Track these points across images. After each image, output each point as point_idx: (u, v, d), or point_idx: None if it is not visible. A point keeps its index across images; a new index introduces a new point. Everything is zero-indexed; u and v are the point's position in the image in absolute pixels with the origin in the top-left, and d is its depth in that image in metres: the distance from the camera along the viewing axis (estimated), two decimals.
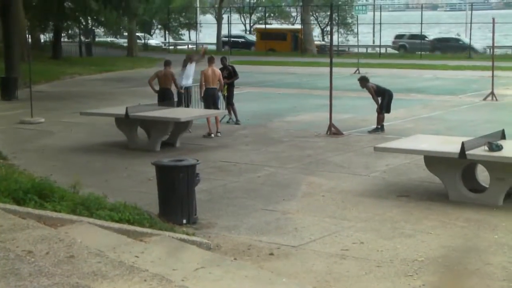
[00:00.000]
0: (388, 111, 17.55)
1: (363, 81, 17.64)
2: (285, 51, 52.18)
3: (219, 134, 16.92)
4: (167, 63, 17.98)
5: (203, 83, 17.43)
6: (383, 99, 17.47)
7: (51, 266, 6.26)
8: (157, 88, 17.85)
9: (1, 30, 30.59)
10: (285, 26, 63.15)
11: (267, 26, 60.39)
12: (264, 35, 55.10)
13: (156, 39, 68.94)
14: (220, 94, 17.80)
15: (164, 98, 17.36)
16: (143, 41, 62.38)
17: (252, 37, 61.83)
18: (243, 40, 59.85)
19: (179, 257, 7.58)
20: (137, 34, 61.94)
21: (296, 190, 11.66)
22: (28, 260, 6.33)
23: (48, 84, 30.86)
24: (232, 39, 58.99)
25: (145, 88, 20.66)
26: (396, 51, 52.51)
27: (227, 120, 18.82)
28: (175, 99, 17.77)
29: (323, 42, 57.14)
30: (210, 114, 16.96)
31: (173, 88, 18.01)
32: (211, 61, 17.83)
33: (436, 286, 7.45)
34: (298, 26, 58.41)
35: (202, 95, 17.45)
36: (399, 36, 55.00)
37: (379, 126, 17.33)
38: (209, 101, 17.43)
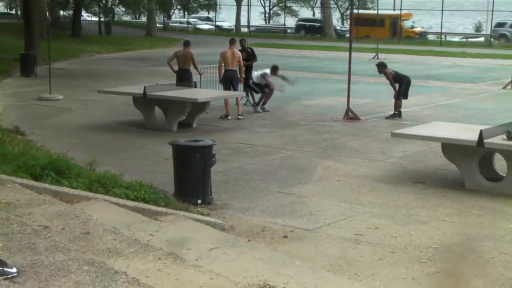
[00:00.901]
0: (405, 97, 17.48)
1: (381, 66, 17.57)
2: (382, 38, 47.36)
3: (240, 116, 16.86)
4: (187, 44, 17.96)
5: (222, 65, 17.41)
6: (401, 85, 17.40)
7: (67, 242, 6.31)
8: (176, 68, 17.85)
9: (21, 7, 30.66)
10: (383, 11, 56.42)
11: (362, 11, 56.15)
12: (358, 20, 50.04)
13: (226, 21, 66.10)
14: (238, 75, 17.73)
15: (183, 79, 17.37)
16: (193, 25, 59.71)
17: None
18: (320, 24, 56.44)
19: (194, 237, 7.61)
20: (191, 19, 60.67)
21: (311, 173, 11.66)
22: (44, 235, 6.37)
23: (67, 61, 30.97)
24: (308, 23, 56.50)
25: (163, 68, 20.67)
26: (495, 41, 48.90)
27: (245, 102, 18.79)
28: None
29: (423, 29, 53.81)
30: (227, 96, 16.96)
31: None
32: (231, 42, 17.78)
33: (450, 273, 7.43)
34: (398, 11, 53.70)
35: (221, 77, 17.44)
36: (500, 25, 51.13)
37: (397, 112, 17.27)
38: (228, 83, 17.41)
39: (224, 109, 16.91)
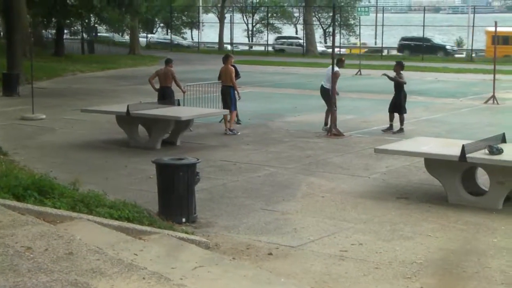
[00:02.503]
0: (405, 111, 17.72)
1: (400, 66, 17.88)
2: None
3: (226, 131, 17.12)
4: (168, 62, 18.03)
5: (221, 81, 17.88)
6: (399, 96, 17.55)
7: (50, 263, 6.27)
8: (157, 86, 17.87)
9: (3, 26, 30.57)
10: None
11: (501, 28, 49.80)
12: (496, 39, 46.65)
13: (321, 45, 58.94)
14: (235, 92, 17.79)
15: (164, 97, 17.39)
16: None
17: (438, 40, 54.41)
18: (428, 44, 51.46)
19: (178, 256, 7.59)
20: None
21: (296, 190, 11.67)
22: (27, 256, 6.33)
23: (49, 80, 30.87)
24: (413, 42, 51.33)
25: (146, 86, 20.61)
26: None
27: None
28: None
29: None
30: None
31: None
32: (224, 59, 17.93)
33: None
34: None
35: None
36: None
37: (402, 127, 17.50)
38: (223, 98, 17.67)
39: (231, 125, 17.24)
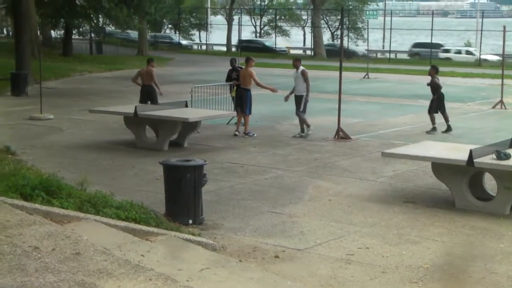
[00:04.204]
0: (436, 111, 18.21)
1: (434, 69, 18.42)
2: None
3: (237, 132, 17.27)
4: (149, 61, 18.85)
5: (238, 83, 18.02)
6: (438, 98, 18.10)
7: (57, 263, 6.28)
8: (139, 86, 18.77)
9: (12, 26, 30.64)
10: None
11: None
12: None
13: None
14: (251, 96, 17.82)
15: (147, 95, 18.28)
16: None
17: None
18: None
19: (185, 257, 7.60)
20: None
21: (303, 193, 11.67)
22: (35, 256, 6.35)
23: (57, 81, 30.94)
24: None
25: (154, 88, 20.68)
26: None
27: (235, 121, 18.80)
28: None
29: None
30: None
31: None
32: (246, 61, 17.97)
33: None
34: None
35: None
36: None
37: (435, 126, 17.97)
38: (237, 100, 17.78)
39: (246, 129, 17.29)
